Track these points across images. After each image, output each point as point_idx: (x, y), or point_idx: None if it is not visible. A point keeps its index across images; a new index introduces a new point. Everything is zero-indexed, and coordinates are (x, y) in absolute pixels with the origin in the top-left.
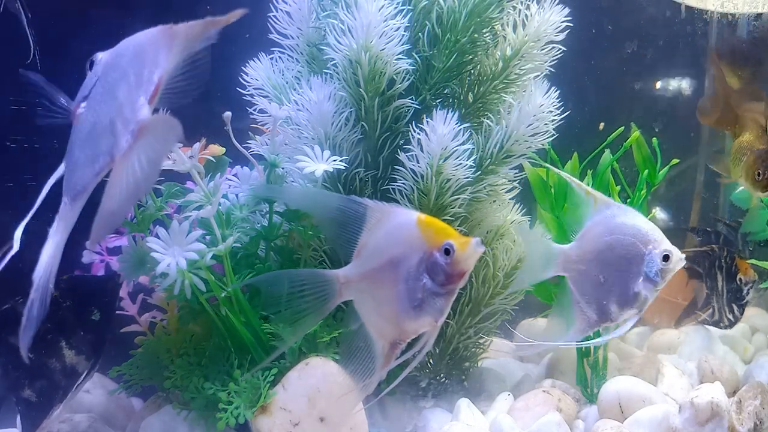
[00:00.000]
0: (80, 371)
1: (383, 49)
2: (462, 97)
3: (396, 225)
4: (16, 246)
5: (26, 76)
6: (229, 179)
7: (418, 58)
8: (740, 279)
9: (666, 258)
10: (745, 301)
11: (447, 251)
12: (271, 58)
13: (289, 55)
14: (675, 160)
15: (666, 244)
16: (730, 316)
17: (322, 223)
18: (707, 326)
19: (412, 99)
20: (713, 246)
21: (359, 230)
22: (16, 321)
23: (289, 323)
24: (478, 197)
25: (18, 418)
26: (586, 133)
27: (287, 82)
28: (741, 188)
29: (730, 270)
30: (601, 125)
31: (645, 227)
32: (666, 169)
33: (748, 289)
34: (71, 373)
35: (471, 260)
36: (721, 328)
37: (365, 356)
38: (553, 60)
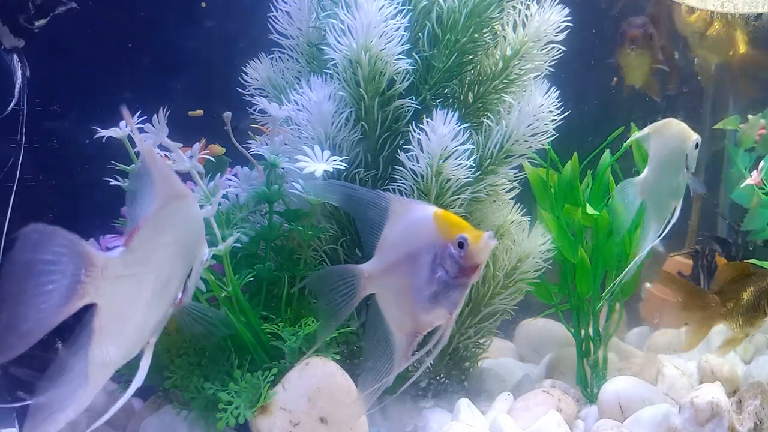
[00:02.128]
0: None
1: (383, 49)
2: (462, 97)
3: (414, 219)
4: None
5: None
6: (229, 179)
7: (418, 58)
8: None
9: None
10: None
11: (461, 244)
12: (271, 58)
13: (289, 55)
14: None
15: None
16: None
17: (355, 216)
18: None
19: (412, 99)
20: (696, 247)
21: (382, 224)
22: None
23: (320, 318)
24: (478, 197)
25: (15, 418)
26: (586, 133)
27: (287, 82)
28: (742, 186)
29: (710, 269)
30: (615, 80)
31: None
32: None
33: None
34: None
35: (484, 253)
36: None
37: (384, 351)
38: (553, 60)
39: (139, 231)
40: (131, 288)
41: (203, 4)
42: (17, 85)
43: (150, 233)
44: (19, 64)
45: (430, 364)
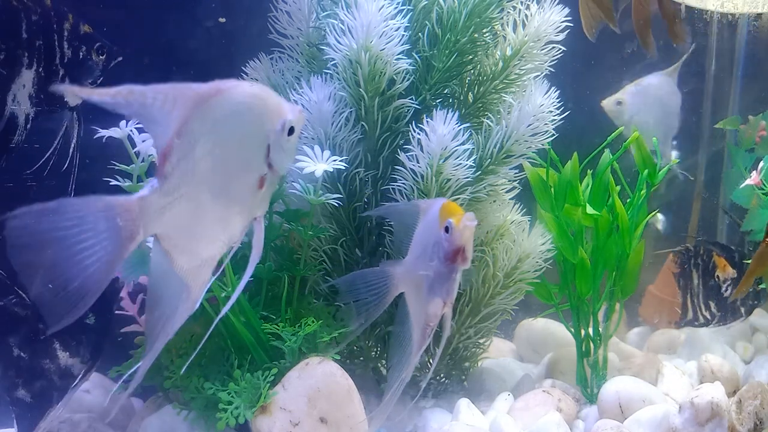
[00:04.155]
0: (75, 373)
1: (383, 49)
2: (462, 97)
3: (429, 215)
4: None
5: None
6: None
7: (418, 58)
8: (718, 276)
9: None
10: (724, 298)
11: (447, 229)
12: (271, 58)
13: (289, 55)
14: (675, 160)
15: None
16: (707, 314)
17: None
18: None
19: (412, 99)
20: (687, 245)
21: (414, 229)
22: (9, 321)
23: (358, 314)
24: (478, 197)
25: (14, 418)
26: (586, 133)
27: (287, 82)
28: (741, 187)
29: (707, 268)
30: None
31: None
32: (666, 168)
33: (727, 287)
34: (66, 374)
35: (464, 235)
36: (695, 326)
37: (408, 348)
38: (553, 60)
39: (167, 158)
40: (187, 205)
41: (222, 19)
42: (72, 143)
43: (181, 153)
44: (76, 123)
45: (430, 363)
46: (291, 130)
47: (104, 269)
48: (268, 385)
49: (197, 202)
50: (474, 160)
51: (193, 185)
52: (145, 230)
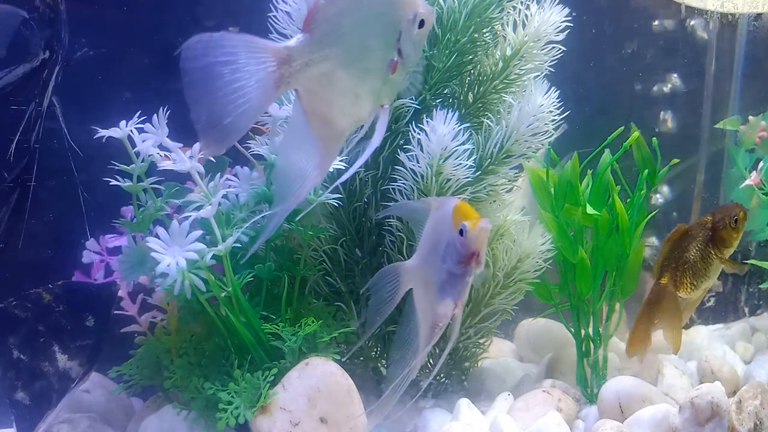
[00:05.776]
0: (74, 376)
1: None
2: (462, 97)
3: (440, 213)
4: None
5: None
6: (229, 179)
7: None
8: None
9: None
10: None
11: (461, 232)
12: None
13: None
14: (675, 160)
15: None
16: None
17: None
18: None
19: (412, 99)
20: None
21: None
22: (9, 322)
23: (373, 311)
24: (478, 197)
25: (13, 420)
26: (586, 133)
27: None
28: (741, 187)
29: None
30: None
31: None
32: (666, 169)
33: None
34: (65, 377)
35: (479, 239)
36: None
37: (412, 345)
38: (553, 60)
39: (313, 15)
40: (327, 66)
41: (231, 28)
42: (63, 125)
43: (326, 14)
44: (59, 106)
45: (430, 364)
46: (421, 23)
47: (253, 111)
48: (268, 385)
49: (336, 66)
50: (474, 160)
51: (334, 48)
52: (290, 80)
